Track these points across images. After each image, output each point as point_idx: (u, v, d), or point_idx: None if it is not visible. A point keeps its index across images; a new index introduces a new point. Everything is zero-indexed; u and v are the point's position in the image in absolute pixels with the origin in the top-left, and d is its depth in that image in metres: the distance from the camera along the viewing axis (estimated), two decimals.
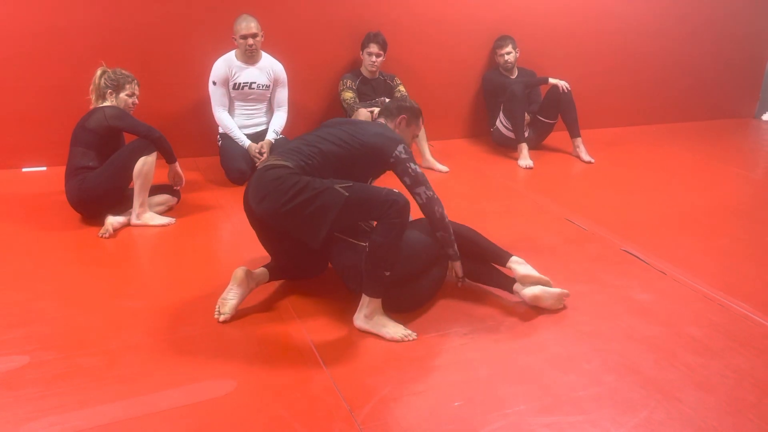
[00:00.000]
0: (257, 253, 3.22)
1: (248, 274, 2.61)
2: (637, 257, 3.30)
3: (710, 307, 2.84)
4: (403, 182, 2.63)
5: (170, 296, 2.75)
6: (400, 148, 2.62)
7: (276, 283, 2.85)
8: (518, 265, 2.77)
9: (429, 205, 2.64)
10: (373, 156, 2.63)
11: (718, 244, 3.56)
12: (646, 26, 5.98)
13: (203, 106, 4.47)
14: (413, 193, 2.63)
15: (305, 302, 2.74)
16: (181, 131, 4.47)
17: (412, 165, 2.62)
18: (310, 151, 2.57)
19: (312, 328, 2.54)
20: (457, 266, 2.80)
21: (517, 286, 2.76)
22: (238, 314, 2.60)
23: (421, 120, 2.94)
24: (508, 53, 5.10)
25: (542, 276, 2.76)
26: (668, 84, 6.34)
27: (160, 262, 3.19)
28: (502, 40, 5.14)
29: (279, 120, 4.39)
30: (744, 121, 6.77)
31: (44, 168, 4.33)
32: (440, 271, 2.79)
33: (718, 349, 2.51)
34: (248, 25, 4.08)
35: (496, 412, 2.09)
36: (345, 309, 2.65)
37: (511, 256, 2.81)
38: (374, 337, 2.48)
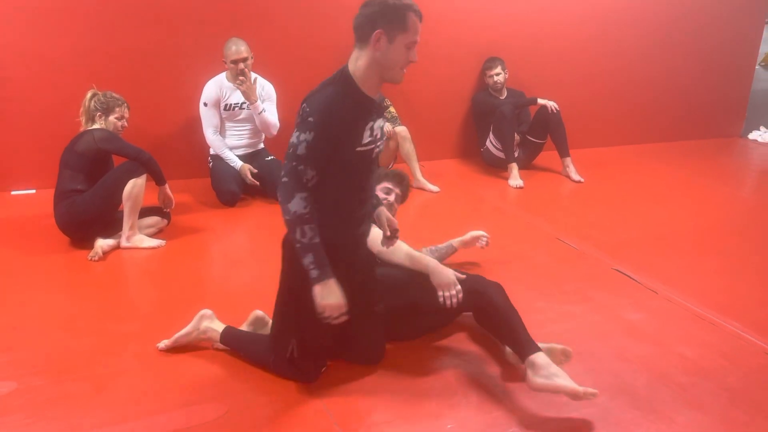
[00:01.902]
0: (247, 275, 3.23)
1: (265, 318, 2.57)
2: (629, 276, 3.31)
3: (702, 326, 2.85)
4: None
5: (160, 320, 2.73)
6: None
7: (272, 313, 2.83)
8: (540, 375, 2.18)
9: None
10: None
11: (708, 263, 3.58)
12: (633, 49, 6.06)
13: (193, 128, 4.48)
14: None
15: None
16: (171, 153, 4.47)
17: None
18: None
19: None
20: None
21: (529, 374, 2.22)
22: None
23: (410, 17, 2.04)
24: (497, 74, 5.15)
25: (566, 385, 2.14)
26: (656, 104, 6.40)
27: (149, 285, 3.17)
28: (491, 62, 5.19)
29: (272, 117, 4.31)
30: (731, 141, 6.84)
31: (33, 191, 4.31)
32: (438, 307, 2.44)
33: (710, 368, 2.51)
34: (238, 49, 4.10)
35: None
36: None
37: (537, 350, 2.23)
38: (365, 368, 2.43)
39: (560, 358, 2.37)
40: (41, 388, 2.23)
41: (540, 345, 2.28)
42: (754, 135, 6.92)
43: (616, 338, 2.72)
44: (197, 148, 4.50)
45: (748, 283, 3.33)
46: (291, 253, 2.11)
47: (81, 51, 4.24)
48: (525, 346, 2.25)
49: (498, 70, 5.15)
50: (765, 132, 6.91)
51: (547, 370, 2.15)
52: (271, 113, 4.36)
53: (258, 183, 4.23)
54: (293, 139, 2.04)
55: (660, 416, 2.20)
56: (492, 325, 2.47)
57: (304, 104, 2.06)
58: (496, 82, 5.16)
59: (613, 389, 2.34)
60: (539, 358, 2.19)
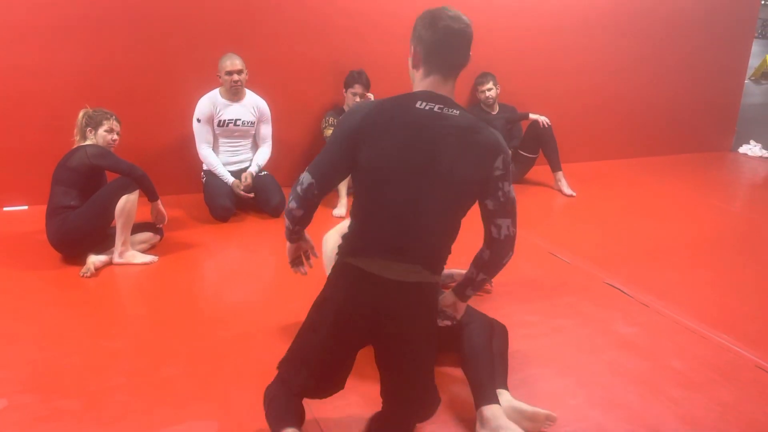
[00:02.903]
0: (241, 292, 3.22)
1: None
2: (620, 290, 3.32)
3: (693, 339, 2.86)
4: None
5: (151, 336, 2.72)
6: None
7: (265, 330, 2.83)
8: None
9: None
10: None
11: (699, 276, 3.60)
12: (624, 63, 6.12)
13: (186, 144, 4.49)
14: None
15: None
16: (163, 169, 4.47)
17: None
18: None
19: None
20: (460, 307, 2.13)
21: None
22: (220, 356, 2.57)
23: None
24: (489, 89, 5.18)
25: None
26: (647, 118, 6.46)
27: (141, 302, 3.16)
28: (483, 77, 5.23)
29: (263, 155, 4.42)
30: (721, 155, 6.90)
31: (25, 207, 4.29)
32: None
33: (702, 382, 2.52)
34: (233, 62, 4.14)
35: None
36: None
37: (492, 402, 2.11)
38: (358, 381, 2.24)
39: (543, 422, 2.14)
40: (31, 406, 2.21)
41: (523, 406, 2.14)
42: (744, 149, 6.99)
43: (608, 352, 2.72)
44: (190, 163, 4.51)
45: (738, 296, 3.35)
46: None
47: (73, 67, 4.24)
48: (481, 395, 2.14)
49: (490, 85, 5.18)
50: (755, 146, 6.97)
51: (495, 422, 2.04)
52: (265, 136, 4.40)
53: (252, 195, 4.24)
54: (511, 193, 1.88)
55: (651, 430, 2.20)
56: (461, 362, 2.34)
57: (503, 154, 1.86)
58: (487, 98, 5.19)
59: (606, 404, 2.34)
60: (488, 410, 2.08)
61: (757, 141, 7.09)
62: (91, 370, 2.45)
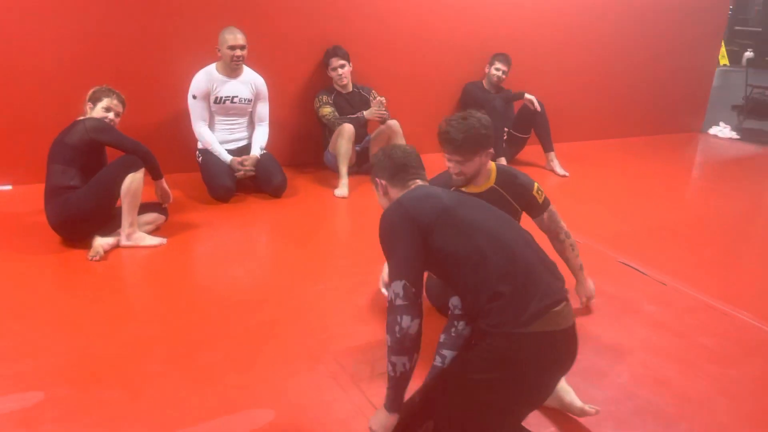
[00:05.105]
0: (258, 275, 3.14)
1: None
2: (637, 269, 3.37)
3: (715, 316, 2.93)
4: None
5: (180, 322, 2.61)
6: None
7: (293, 313, 2.76)
8: None
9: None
10: None
11: (705, 253, 3.70)
12: (603, 49, 6.20)
13: (179, 121, 4.32)
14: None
15: (318, 331, 2.66)
16: (156, 147, 4.13)
17: None
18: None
19: (341, 352, 2.46)
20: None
21: None
22: (254, 342, 2.49)
23: (395, 173, 2.10)
24: (504, 72, 5.16)
25: None
26: (626, 101, 6.59)
27: (159, 286, 3.00)
28: (503, 57, 5.19)
29: (262, 135, 4.29)
30: (693, 135, 7.10)
31: (9, 187, 4.05)
32: None
33: (733, 357, 2.59)
34: (236, 36, 3.98)
35: (544, 430, 2.07)
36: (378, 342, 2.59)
37: None
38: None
39: (577, 413, 2.11)
40: (70, 397, 2.09)
41: (561, 392, 2.10)
42: (714, 130, 7.21)
43: (638, 330, 2.76)
44: (183, 141, 4.34)
45: (746, 272, 3.46)
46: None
47: (60, 41, 4.01)
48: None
49: (505, 68, 5.16)
50: (724, 127, 7.20)
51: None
52: (263, 115, 4.29)
53: (253, 171, 4.11)
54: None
55: (700, 407, 2.24)
56: None
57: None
58: (500, 78, 5.17)
59: (651, 382, 2.38)
60: None
61: (726, 123, 7.32)
62: (127, 357, 2.33)
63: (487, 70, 5.28)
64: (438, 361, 2.03)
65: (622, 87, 6.48)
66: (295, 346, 2.47)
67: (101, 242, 3.17)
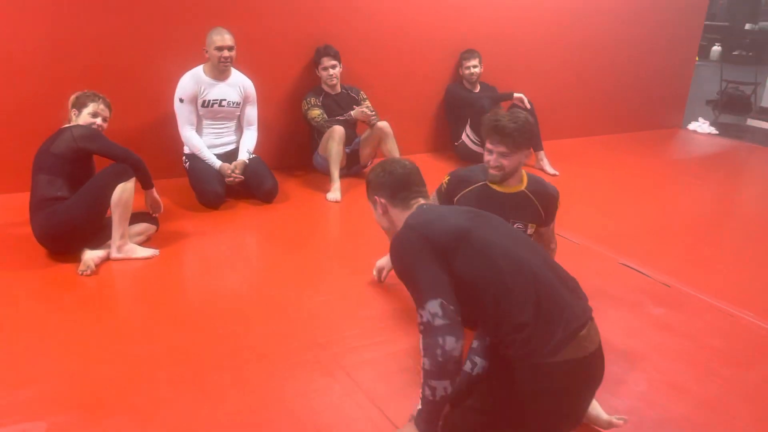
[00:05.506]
0: (259, 286, 3.04)
1: None
2: (638, 271, 3.36)
3: (721, 317, 2.93)
4: None
5: (182, 339, 2.50)
6: None
7: (301, 326, 2.67)
8: None
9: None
10: None
11: (703, 252, 3.71)
12: (586, 47, 6.19)
13: (164, 125, 4.18)
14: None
15: (329, 343, 2.58)
16: (139, 152, 4.02)
17: None
18: None
19: (353, 366, 2.38)
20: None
21: None
22: (264, 360, 2.40)
23: (397, 191, 2.02)
24: (475, 66, 5.13)
25: None
26: (609, 98, 6.60)
27: (155, 301, 2.87)
28: (469, 53, 5.16)
29: (251, 139, 4.18)
30: (673, 131, 7.16)
31: None
32: None
33: (746, 359, 2.58)
34: (223, 37, 3.86)
35: None
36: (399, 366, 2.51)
37: None
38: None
39: (604, 426, 2.06)
40: (75, 427, 1.98)
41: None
42: (693, 126, 7.28)
43: (649, 334, 2.74)
44: (168, 146, 4.20)
45: (745, 272, 3.46)
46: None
47: (37, 41, 3.83)
48: None
49: (476, 62, 5.12)
50: (703, 123, 7.28)
51: None
52: (251, 118, 4.18)
53: (242, 176, 3.99)
54: None
55: (722, 415, 2.22)
56: None
57: None
58: (472, 74, 5.13)
59: (669, 389, 2.35)
60: None
61: (705, 118, 7.41)
62: (131, 380, 2.22)
63: (461, 72, 5.24)
64: (468, 367, 1.97)
65: (604, 84, 6.49)
66: (307, 362, 2.38)
67: (91, 255, 3.04)
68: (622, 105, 6.75)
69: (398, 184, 2.02)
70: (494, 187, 2.61)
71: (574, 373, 1.71)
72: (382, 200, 2.03)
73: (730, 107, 8.35)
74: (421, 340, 1.68)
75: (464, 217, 1.93)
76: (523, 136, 2.49)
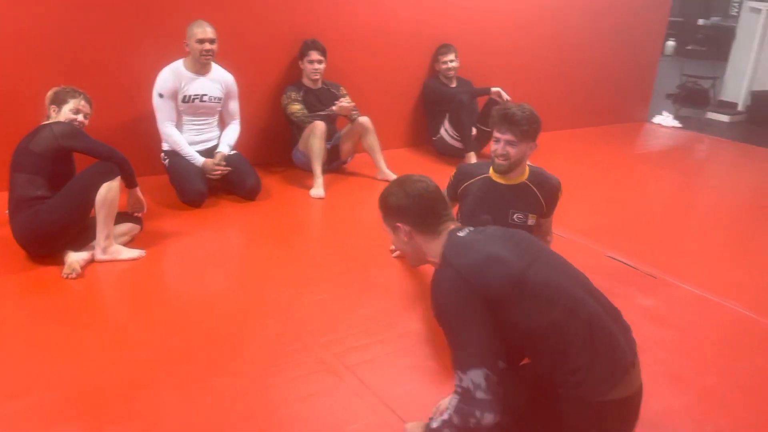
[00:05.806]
0: (250, 285, 2.99)
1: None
2: (626, 263, 3.41)
3: (709, 308, 3.00)
4: None
5: (179, 342, 2.44)
6: None
7: (299, 325, 2.63)
8: None
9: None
10: None
11: (687, 244, 3.81)
12: (553, 42, 6.26)
13: (142, 120, 4.06)
14: None
15: (333, 344, 2.55)
16: (116, 148, 3.99)
17: None
18: None
19: (358, 366, 2.36)
20: None
21: None
22: (265, 361, 2.36)
23: (423, 218, 1.84)
24: (451, 61, 5.13)
25: None
26: (577, 92, 6.68)
27: (147, 303, 2.77)
28: (445, 48, 5.16)
29: (233, 133, 4.10)
30: (639, 125, 7.31)
31: None
32: None
33: (738, 349, 2.65)
34: (204, 29, 3.76)
35: None
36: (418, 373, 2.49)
37: None
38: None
39: None
40: None
41: None
42: (657, 119, 7.45)
43: (643, 326, 2.76)
44: (146, 142, 4.07)
45: (731, 263, 3.55)
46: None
47: (18, 38, 3.67)
48: None
49: (452, 57, 5.13)
50: (667, 116, 7.46)
51: None
52: (233, 113, 4.11)
53: (229, 168, 3.91)
54: None
55: (722, 404, 2.28)
56: None
57: None
58: (449, 69, 5.13)
59: (669, 380, 2.40)
60: None
61: (669, 112, 7.59)
62: (133, 386, 2.16)
63: (437, 67, 5.25)
64: None
65: (576, 79, 6.57)
66: (311, 363, 2.35)
67: (76, 258, 2.93)
68: (593, 99, 6.85)
69: (425, 210, 1.81)
70: (496, 179, 2.66)
71: (620, 413, 1.72)
72: (407, 228, 1.83)
73: (689, 100, 8.56)
74: (454, 400, 1.62)
75: (515, 252, 1.75)
76: (531, 126, 2.56)
